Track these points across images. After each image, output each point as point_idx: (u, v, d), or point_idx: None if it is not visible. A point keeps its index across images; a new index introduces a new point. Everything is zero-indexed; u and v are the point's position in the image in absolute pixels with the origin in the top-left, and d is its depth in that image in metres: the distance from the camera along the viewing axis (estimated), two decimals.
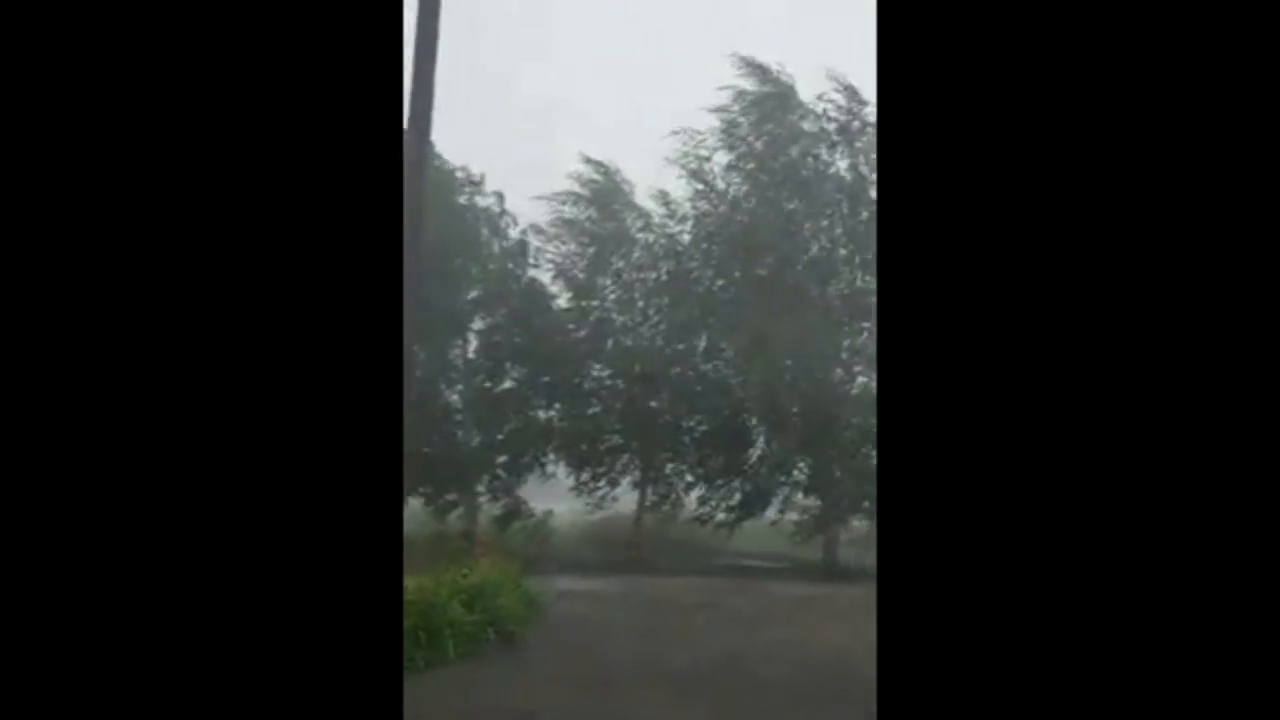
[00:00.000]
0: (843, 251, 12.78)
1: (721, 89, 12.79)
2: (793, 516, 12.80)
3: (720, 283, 12.60)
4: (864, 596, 9.58)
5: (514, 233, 13.53)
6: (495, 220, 13.50)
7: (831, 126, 12.72)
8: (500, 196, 13.52)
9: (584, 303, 13.21)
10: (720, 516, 12.95)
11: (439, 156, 12.45)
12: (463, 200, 13.20)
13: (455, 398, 13.32)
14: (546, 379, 13.12)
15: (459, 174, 13.31)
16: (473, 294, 13.25)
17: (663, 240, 13.34)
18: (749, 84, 12.76)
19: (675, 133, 12.90)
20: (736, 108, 12.74)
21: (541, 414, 13.32)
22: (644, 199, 13.49)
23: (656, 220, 13.39)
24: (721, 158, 13.00)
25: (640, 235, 13.44)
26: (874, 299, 12.47)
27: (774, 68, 12.80)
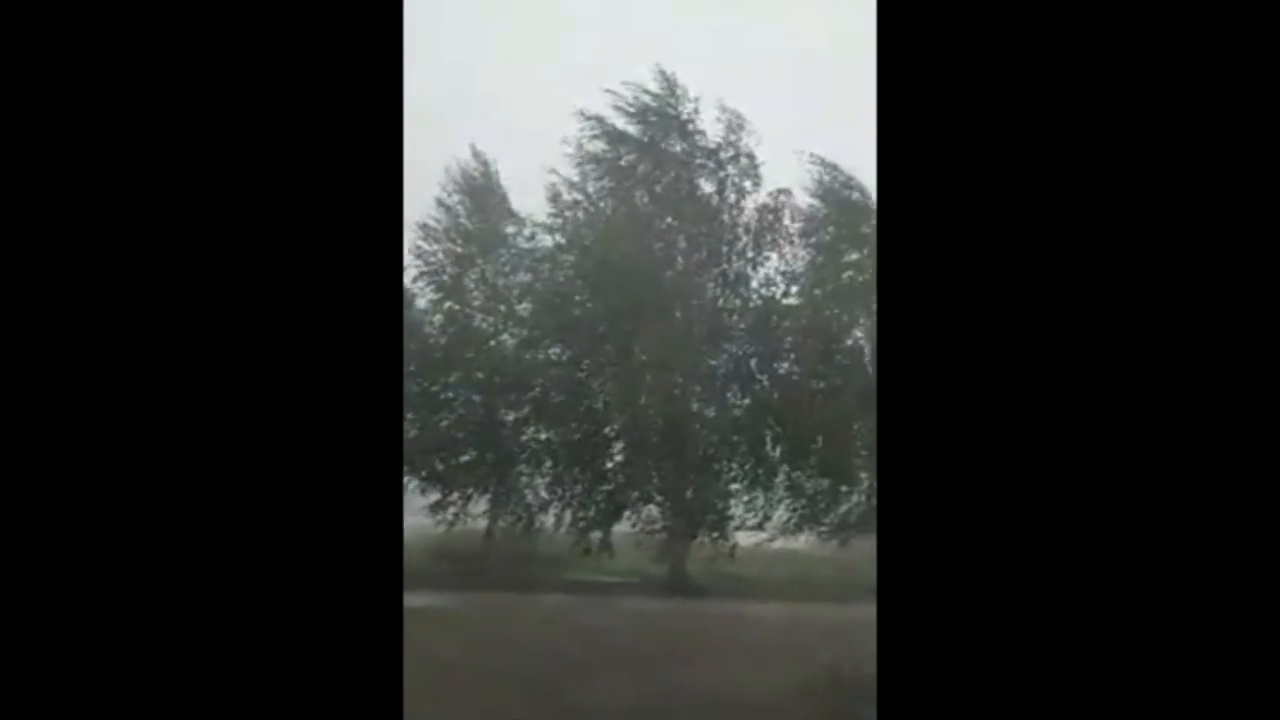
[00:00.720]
0: (710, 272, 13.19)
1: (614, 97, 12.82)
2: (643, 531, 12.93)
3: (586, 294, 12.59)
4: (706, 610, 9.87)
5: None
6: None
7: (710, 149, 13.12)
8: None
9: (449, 304, 12.74)
10: (570, 530, 12.83)
11: None
12: None
13: None
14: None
15: None
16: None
17: (533, 247, 13.16)
18: (642, 97, 12.89)
19: (563, 141, 12.82)
20: (626, 119, 12.86)
21: None
22: (519, 198, 13.25)
23: (529, 227, 13.21)
24: (603, 168, 13.05)
25: (512, 240, 13.18)
26: (735, 320, 12.99)
27: (667, 85, 12.98)
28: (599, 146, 12.95)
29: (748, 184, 13.09)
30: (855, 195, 13.09)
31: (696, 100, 13.04)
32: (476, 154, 13.27)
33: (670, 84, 13.05)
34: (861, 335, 12.96)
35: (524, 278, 13.04)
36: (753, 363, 12.96)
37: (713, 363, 12.92)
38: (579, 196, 13.02)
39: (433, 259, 12.95)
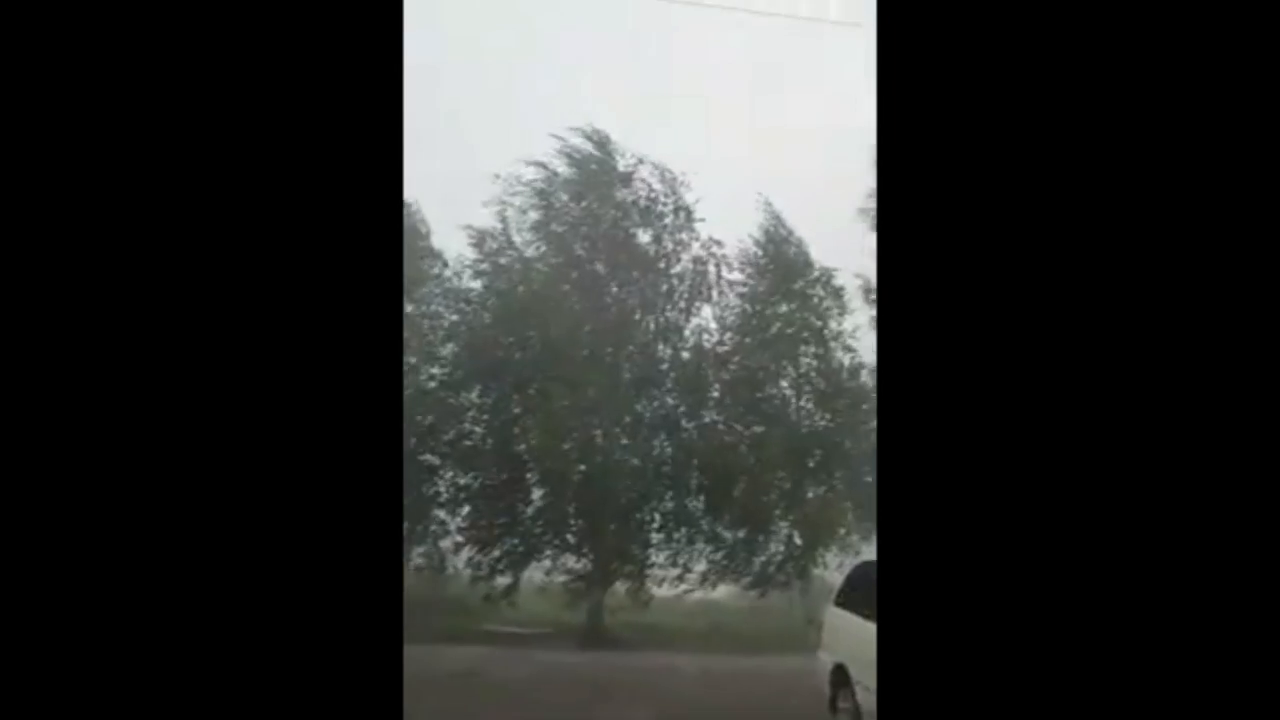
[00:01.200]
0: (638, 318, 13.25)
1: (550, 148, 12.90)
2: (560, 579, 12.66)
3: (510, 338, 12.44)
4: (618, 663, 9.67)
5: None
6: None
7: (647, 203, 13.29)
8: None
9: None
10: (489, 578, 12.43)
11: None
12: None
13: None
14: None
15: None
16: None
17: (457, 287, 12.94)
18: (580, 146, 13.04)
19: (496, 177, 12.74)
20: (560, 168, 12.92)
21: None
22: (446, 240, 13.03)
23: (453, 266, 12.99)
24: (534, 215, 13.02)
25: (439, 281, 12.94)
26: (664, 369, 13.06)
27: (603, 138, 13.17)
28: (536, 188, 12.97)
29: (684, 235, 13.31)
30: (793, 250, 13.48)
31: (636, 161, 13.25)
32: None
33: (604, 139, 13.24)
34: (787, 385, 13.23)
35: (451, 318, 12.78)
36: (680, 410, 13.03)
37: (639, 409, 12.92)
38: (513, 238, 12.95)
39: None
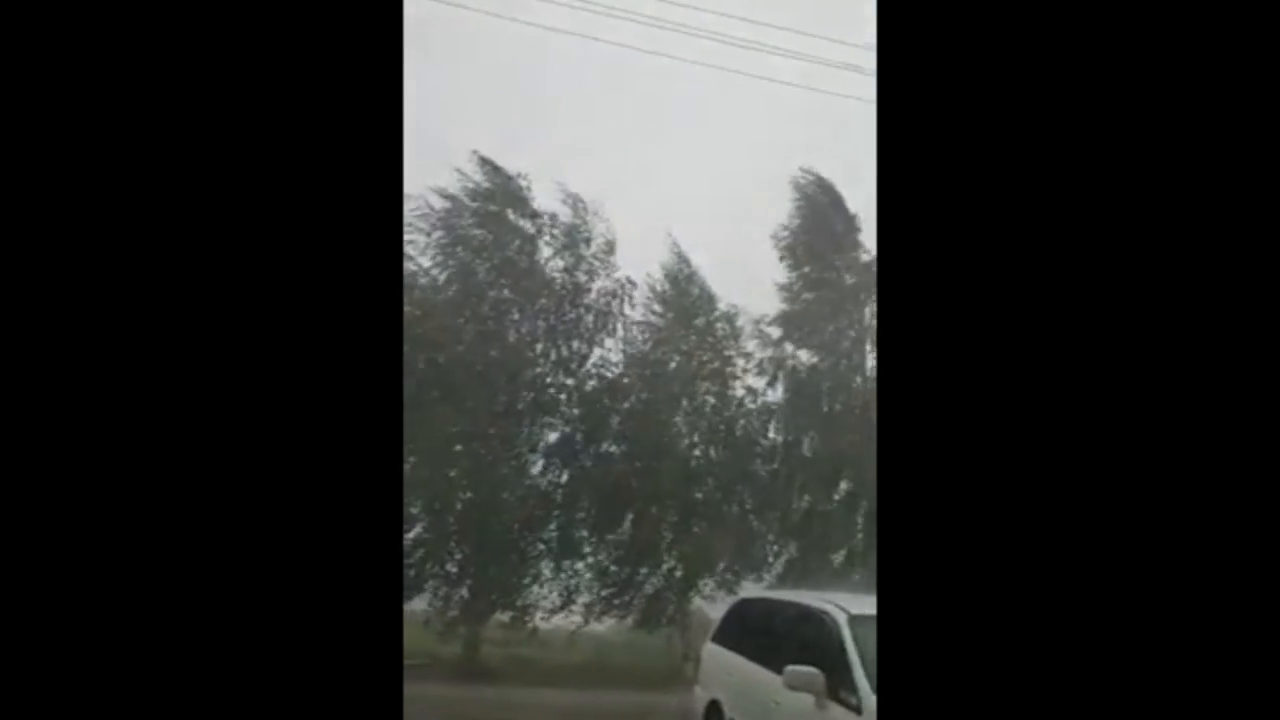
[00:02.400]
0: (540, 347, 13.23)
1: (457, 170, 12.87)
2: (438, 607, 12.34)
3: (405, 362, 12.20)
4: (488, 697, 9.43)
5: None
6: None
7: (556, 231, 13.35)
8: None
9: None
10: None
11: None
12: None
13: None
14: None
15: None
16: None
17: None
18: (483, 178, 13.05)
19: (408, 196, 12.58)
20: (465, 196, 12.90)
21: None
22: None
23: None
24: (440, 237, 12.90)
25: None
26: (562, 396, 13.03)
27: (510, 163, 13.24)
28: (442, 212, 12.86)
29: (598, 265, 13.41)
30: (696, 290, 13.72)
31: (541, 182, 13.33)
32: None
33: (510, 160, 13.29)
34: (680, 419, 13.38)
35: None
36: (577, 440, 12.99)
37: (534, 438, 12.83)
38: (417, 261, 12.77)
39: None
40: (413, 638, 12.51)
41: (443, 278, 12.88)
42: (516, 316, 13.17)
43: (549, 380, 13.24)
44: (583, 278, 13.54)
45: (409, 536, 12.05)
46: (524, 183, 13.24)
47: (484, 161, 13.13)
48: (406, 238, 12.56)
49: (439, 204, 12.83)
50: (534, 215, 13.24)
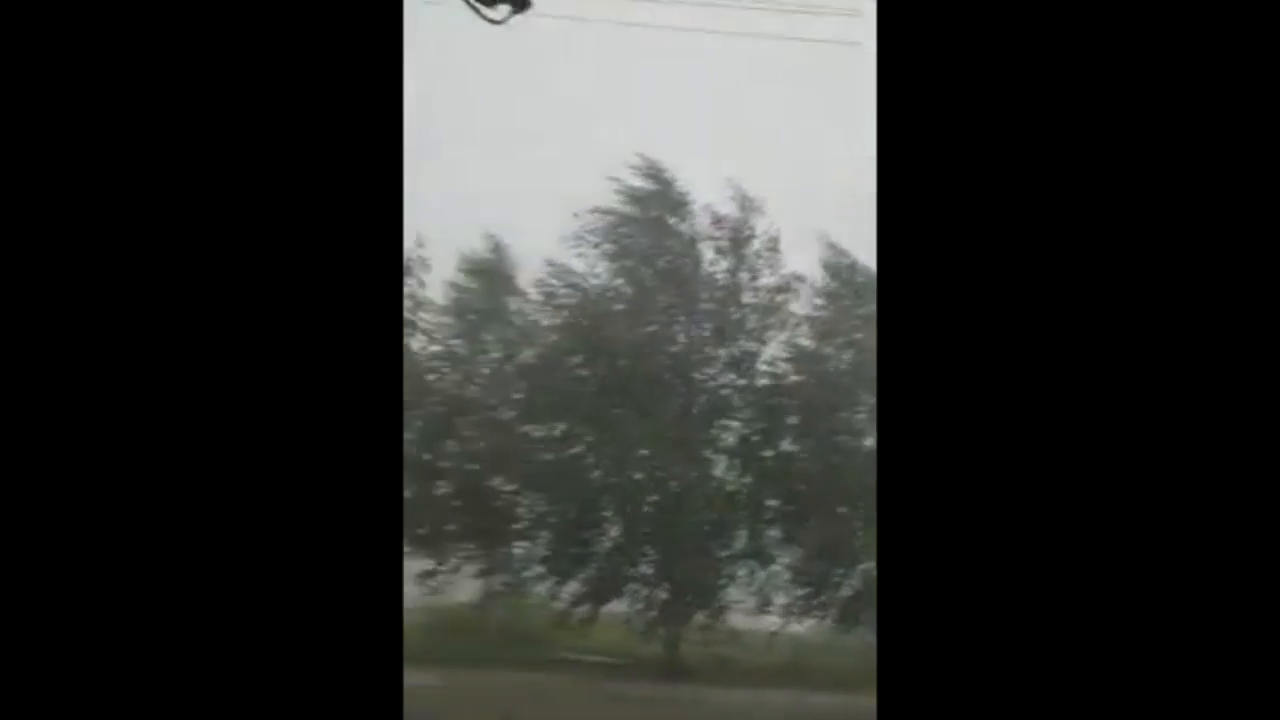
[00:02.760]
0: (714, 351, 13.32)
1: (615, 182, 13.18)
2: (638, 608, 12.65)
3: (582, 370, 12.74)
4: (701, 697, 9.52)
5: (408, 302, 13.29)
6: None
7: (718, 232, 13.43)
8: (410, 263, 13.14)
9: (449, 378, 12.97)
10: (566, 606, 12.60)
11: None
12: None
13: None
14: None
15: None
16: None
17: (535, 323, 13.40)
18: (645, 181, 13.33)
19: (575, 214, 13.24)
20: (626, 203, 13.25)
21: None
22: (527, 276, 13.57)
23: (532, 302, 13.48)
24: (608, 247, 13.41)
25: (514, 315, 13.45)
26: (735, 398, 13.01)
27: (669, 168, 13.45)
28: (610, 221, 13.34)
29: (760, 264, 13.32)
30: (860, 279, 13.23)
31: (702, 185, 13.44)
32: (489, 237, 13.78)
33: (669, 166, 13.50)
34: (864, 416, 12.85)
35: (526, 353, 13.26)
36: (754, 439, 12.90)
37: (712, 438, 12.88)
38: (583, 273, 13.34)
39: (440, 333, 13.32)
40: (614, 638, 13.01)
41: (611, 287, 13.33)
42: (683, 319, 13.34)
43: (721, 381, 13.26)
44: (746, 276, 13.47)
45: (604, 539, 12.53)
46: (684, 185, 13.44)
47: (647, 165, 13.43)
48: (575, 250, 13.19)
49: (605, 210, 13.27)
50: (696, 215, 13.39)
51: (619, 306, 13.03)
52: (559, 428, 12.77)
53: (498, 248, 13.71)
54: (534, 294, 13.48)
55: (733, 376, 13.24)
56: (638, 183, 13.39)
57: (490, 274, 13.58)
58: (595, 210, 13.18)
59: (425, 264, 13.15)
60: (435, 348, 13.29)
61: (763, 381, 13.02)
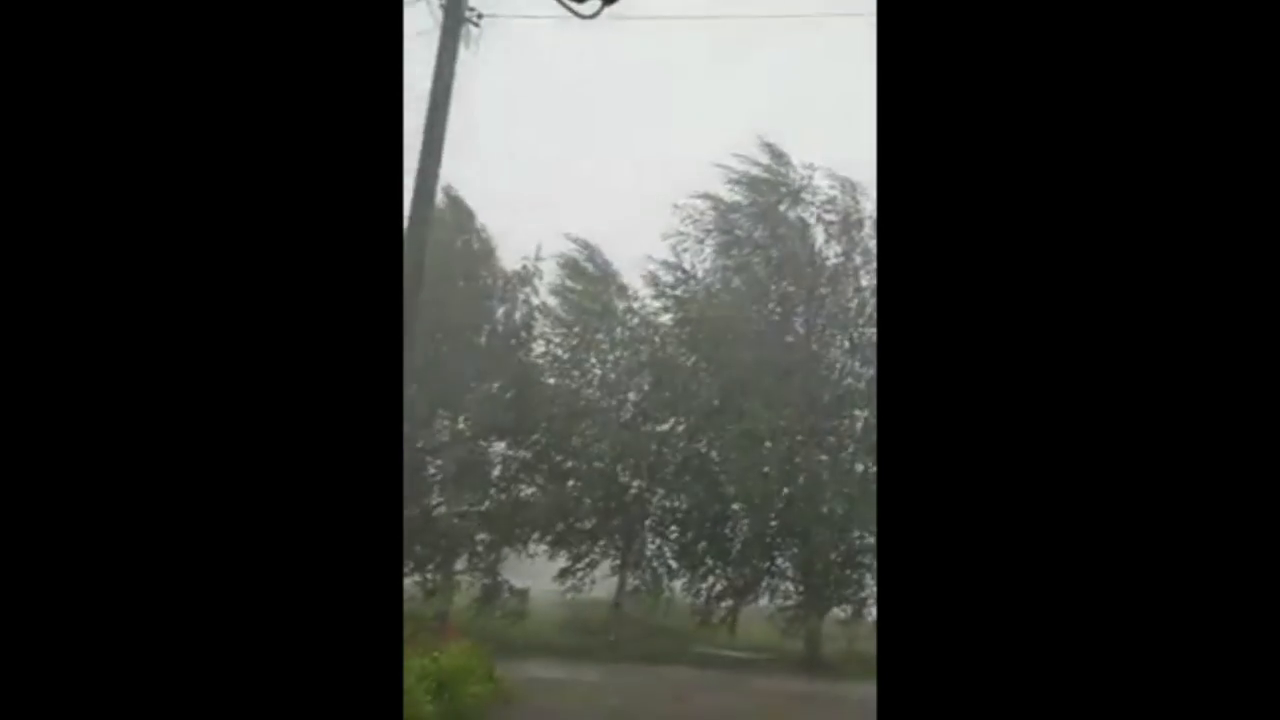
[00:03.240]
0: (834, 338, 12.98)
1: (723, 170, 13.05)
2: (777, 603, 12.52)
3: (701, 365, 12.71)
4: (843, 693, 9.31)
5: (520, 310, 13.65)
6: (508, 291, 13.65)
7: (830, 217, 13.10)
8: (527, 275, 13.54)
9: (566, 381, 13.27)
10: (704, 603, 12.64)
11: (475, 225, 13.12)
12: (481, 269, 13.51)
13: (436, 469, 13.20)
14: (528, 455, 13.03)
15: (480, 240, 13.60)
16: (472, 366, 13.30)
17: (647, 321, 13.48)
18: (751, 168, 13.17)
19: (676, 207, 13.24)
20: (736, 190, 13.14)
21: (523, 489, 13.17)
22: (633, 275, 13.69)
23: (641, 300, 13.59)
24: (715, 239, 13.33)
25: (624, 315, 13.58)
26: (862, 385, 12.60)
27: (776, 155, 13.21)
28: (713, 213, 13.24)
29: (872, 244, 12.87)
30: None
31: (812, 167, 13.11)
32: (576, 239, 13.94)
33: (778, 153, 13.21)
34: None
35: (641, 352, 13.36)
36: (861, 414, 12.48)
37: (840, 429, 12.54)
38: (694, 267, 13.29)
39: (552, 340, 13.71)
40: (756, 633, 12.96)
41: (724, 278, 13.22)
42: (801, 309, 13.06)
43: (845, 369, 12.89)
44: (859, 260, 13.03)
45: (737, 535, 12.49)
46: (786, 164, 13.13)
47: (758, 149, 13.18)
48: (680, 244, 13.13)
49: (706, 203, 13.16)
50: (801, 199, 13.06)
51: (728, 300, 12.90)
52: (683, 424, 12.82)
53: (590, 248, 13.81)
54: (644, 292, 13.56)
55: (856, 364, 12.84)
56: (749, 169, 13.19)
57: (591, 276, 13.74)
58: (704, 196, 13.09)
59: (539, 271, 13.52)
60: (558, 352, 13.59)
61: None
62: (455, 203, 13.12)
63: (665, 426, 12.94)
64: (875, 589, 12.01)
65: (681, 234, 13.23)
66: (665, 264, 13.28)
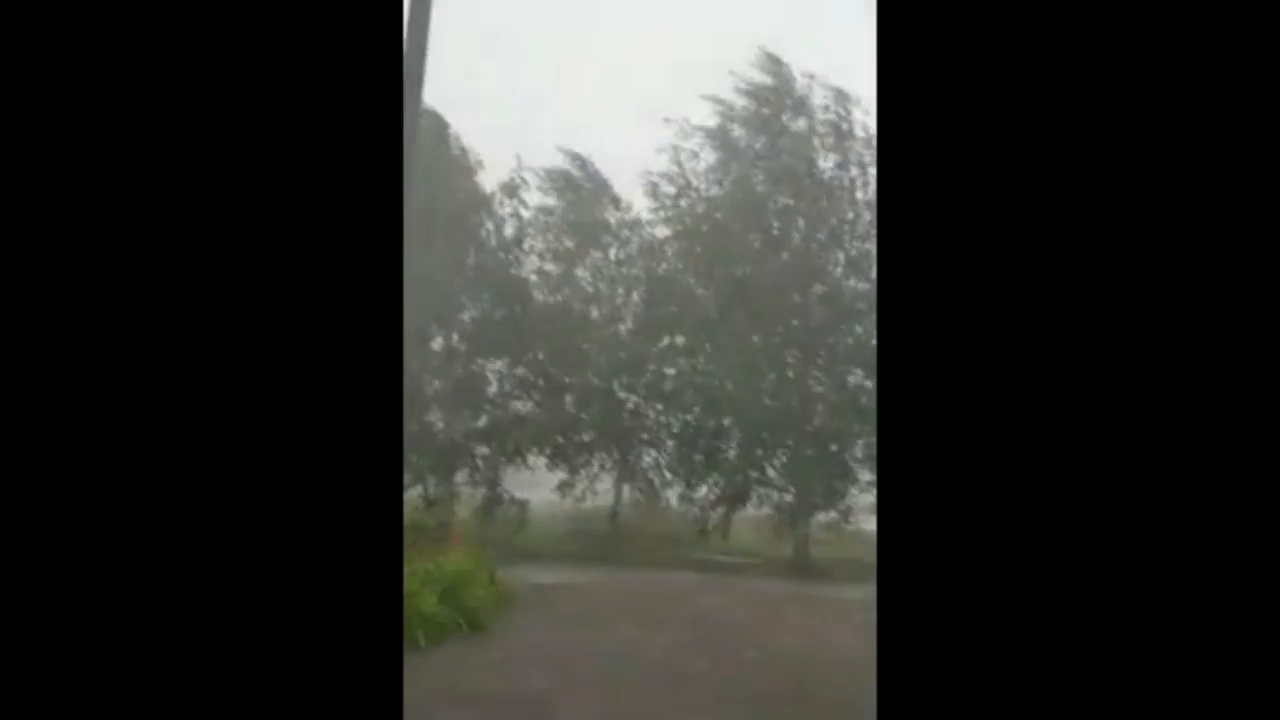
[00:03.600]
0: (832, 254, 12.91)
1: (720, 77, 12.78)
2: (766, 512, 13.00)
3: (695, 281, 12.68)
4: (831, 594, 9.79)
5: (509, 225, 13.42)
6: (493, 208, 13.38)
7: (824, 128, 12.79)
8: (513, 186, 13.22)
9: (559, 298, 13.24)
10: (700, 513, 13.09)
11: (450, 135, 12.67)
12: (468, 183, 13.22)
13: (435, 386, 13.34)
14: (523, 371, 13.14)
15: (463, 153, 13.26)
16: (462, 282, 13.19)
17: (642, 236, 13.34)
18: (747, 77, 12.81)
19: (667, 121, 12.89)
20: (735, 99, 12.80)
21: (520, 405, 13.35)
22: (628, 188, 13.44)
23: (634, 215, 13.40)
24: (710, 154, 13.04)
25: (619, 229, 13.41)
26: (858, 301, 12.65)
27: (772, 65, 12.82)
28: (709, 127, 12.90)
29: (868, 157, 12.64)
30: None
31: (811, 77, 12.72)
32: (565, 150, 13.55)
33: (778, 63, 12.78)
34: None
35: (636, 268, 13.28)
36: (874, 344, 12.58)
37: (832, 344, 12.67)
38: (692, 181, 13.05)
39: (548, 254, 13.51)
40: (744, 539, 13.51)
41: (721, 191, 13.01)
42: (802, 224, 12.93)
43: (841, 285, 12.89)
44: (855, 172, 12.81)
45: (730, 446, 12.80)
46: (786, 75, 12.73)
47: (767, 59, 12.74)
48: (676, 156, 12.77)
49: (701, 116, 12.81)
50: (800, 110, 12.72)
51: (725, 211, 12.73)
52: (679, 339, 12.90)
53: (581, 160, 13.44)
54: (639, 204, 13.36)
55: (852, 281, 12.84)
56: (751, 76, 12.76)
57: (582, 188, 13.41)
58: (709, 98, 12.69)
59: (525, 184, 13.22)
60: (548, 267, 13.47)
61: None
62: (429, 115, 12.72)
63: (659, 343, 13.02)
64: (860, 498, 12.48)
65: (675, 147, 12.94)
66: (664, 175, 13.01)
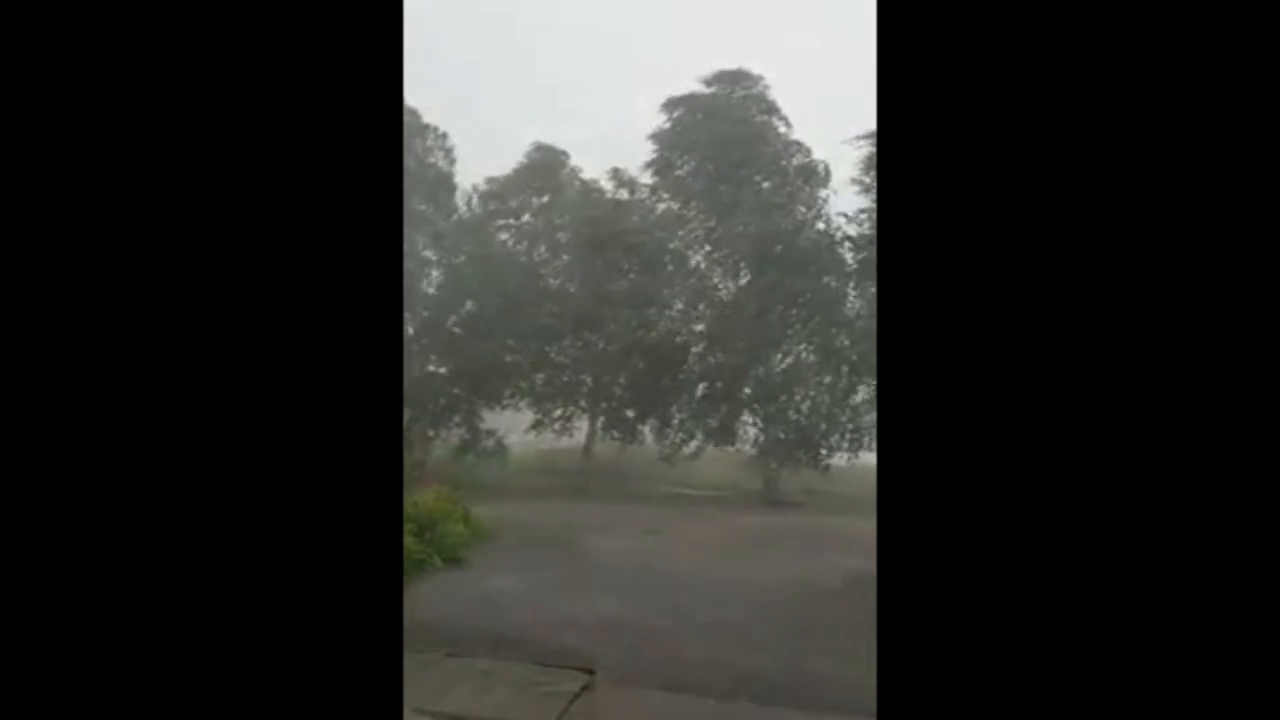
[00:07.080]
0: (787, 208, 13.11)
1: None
2: (737, 448, 13.41)
3: (647, 245, 12.93)
4: (805, 523, 10.17)
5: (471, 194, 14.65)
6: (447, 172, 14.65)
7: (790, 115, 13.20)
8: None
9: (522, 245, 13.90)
10: (670, 447, 13.47)
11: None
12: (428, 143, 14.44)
13: (411, 330, 13.50)
14: (495, 316, 13.36)
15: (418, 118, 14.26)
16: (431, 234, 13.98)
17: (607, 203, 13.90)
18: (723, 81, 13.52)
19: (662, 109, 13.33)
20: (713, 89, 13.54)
21: (492, 350, 13.60)
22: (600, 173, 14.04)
23: (605, 191, 14.16)
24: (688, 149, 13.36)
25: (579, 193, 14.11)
26: (820, 249, 12.88)
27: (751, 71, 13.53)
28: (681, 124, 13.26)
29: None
30: None
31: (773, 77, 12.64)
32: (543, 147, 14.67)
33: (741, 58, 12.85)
34: None
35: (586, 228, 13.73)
36: (840, 293, 12.96)
37: (797, 293, 12.91)
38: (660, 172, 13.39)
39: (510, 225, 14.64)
40: (718, 474, 13.90)
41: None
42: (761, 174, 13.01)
43: (792, 238, 13.08)
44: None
45: (700, 384, 13.14)
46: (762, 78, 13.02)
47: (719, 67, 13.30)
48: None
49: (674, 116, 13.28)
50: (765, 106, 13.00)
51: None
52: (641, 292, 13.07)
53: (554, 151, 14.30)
54: (607, 185, 13.97)
55: (818, 225, 13.04)
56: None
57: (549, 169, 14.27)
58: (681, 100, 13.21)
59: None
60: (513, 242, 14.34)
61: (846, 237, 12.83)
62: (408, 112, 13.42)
63: (617, 290, 13.23)
64: (833, 439, 12.96)
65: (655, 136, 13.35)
66: (642, 165, 13.59)
